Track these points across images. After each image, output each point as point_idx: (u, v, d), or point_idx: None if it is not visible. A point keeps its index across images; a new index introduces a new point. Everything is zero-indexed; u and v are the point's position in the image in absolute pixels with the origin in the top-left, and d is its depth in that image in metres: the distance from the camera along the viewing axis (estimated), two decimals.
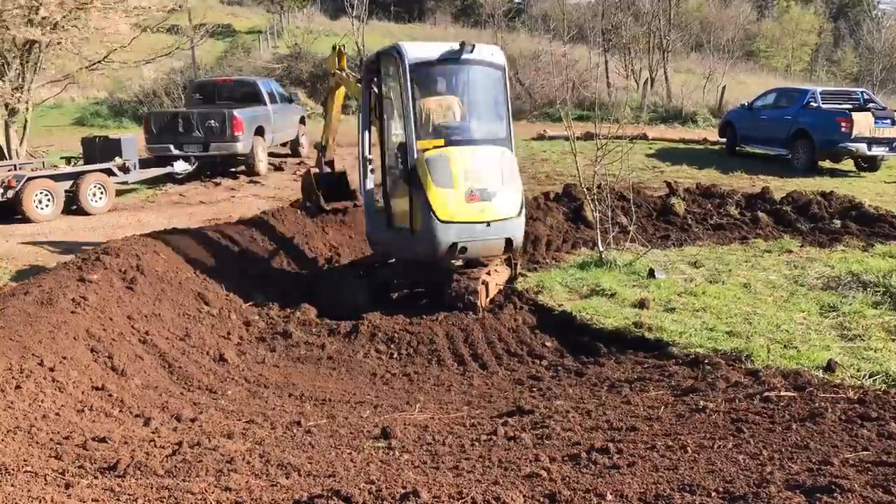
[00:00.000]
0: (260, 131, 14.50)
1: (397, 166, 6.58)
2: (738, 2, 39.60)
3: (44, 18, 11.78)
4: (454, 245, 6.24)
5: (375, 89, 7.01)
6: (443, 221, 6.15)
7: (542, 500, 2.83)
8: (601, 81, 25.57)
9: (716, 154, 17.05)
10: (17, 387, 4.03)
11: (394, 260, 7.10)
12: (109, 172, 11.70)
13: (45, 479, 3.04)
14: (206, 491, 2.97)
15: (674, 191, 10.98)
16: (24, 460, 3.20)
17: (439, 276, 6.58)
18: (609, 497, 2.79)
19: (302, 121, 17.60)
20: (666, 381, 4.64)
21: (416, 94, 6.32)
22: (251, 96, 15.38)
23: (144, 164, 13.10)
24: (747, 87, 26.83)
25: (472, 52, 6.46)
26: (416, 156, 6.23)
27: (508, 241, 6.57)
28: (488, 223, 6.36)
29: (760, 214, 9.89)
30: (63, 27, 12.33)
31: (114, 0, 12.72)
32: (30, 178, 10.44)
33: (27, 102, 13.35)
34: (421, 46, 6.53)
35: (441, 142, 6.41)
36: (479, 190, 6.32)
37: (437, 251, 6.27)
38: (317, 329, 6.21)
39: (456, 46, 6.46)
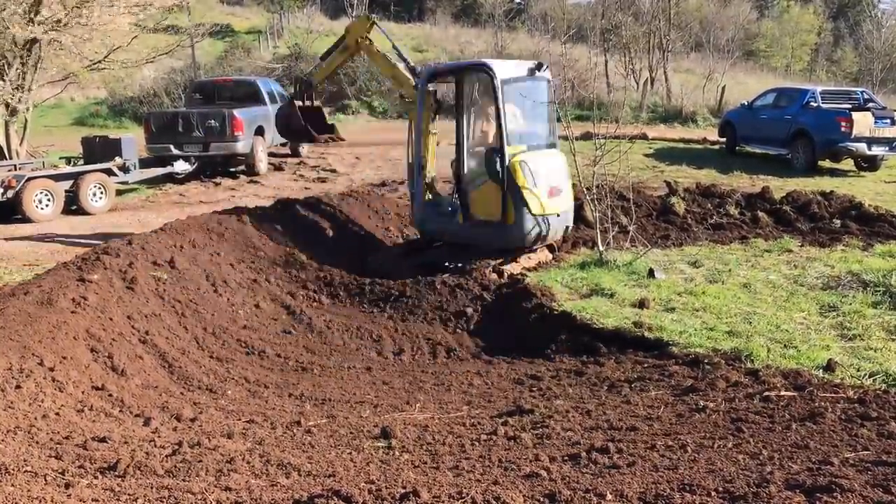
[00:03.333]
0: (260, 131, 14.51)
1: (484, 168, 7.32)
2: (738, 2, 39.57)
3: (47, 18, 11.79)
4: (539, 233, 7.33)
5: (439, 100, 7.97)
6: (534, 215, 7.19)
7: (542, 499, 2.83)
8: (601, 81, 25.56)
9: (715, 154, 17.05)
10: (17, 387, 4.03)
11: (439, 243, 8.07)
12: (109, 172, 11.71)
13: (45, 479, 3.04)
14: (206, 491, 2.97)
15: (674, 190, 10.97)
16: (24, 460, 3.20)
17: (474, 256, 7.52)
18: (609, 497, 2.79)
19: None
20: (666, 380, 4.64)
21: (505, 107, 7.16)
22: (251, 96, 15.38)
23: (144, 164, 13.11)
24: (747, 87, 26.83)
25: (544, 69, 7.58)
26: (507, 160, 7.08)
27: (566, 228, 7.94)
28: (559, 214, 7.52)
29: (760, 214, 9.88)
30: (66, 24, 12.33)
31: None
32: (30, 178, 10.45)
33: (27, 102, 13.35)
34: (504, 64, 7.52)
35: (523, 147, 7.33)
36: (555, 187, 7.44)
37: (527, 239, 7.36)
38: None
39: (531, 64, 7.57)
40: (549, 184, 7.32)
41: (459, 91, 7.53)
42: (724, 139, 17.53)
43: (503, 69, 7.20)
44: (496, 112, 7.11)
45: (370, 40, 8.42)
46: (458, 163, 7.58)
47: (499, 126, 7.11)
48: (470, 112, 7.67)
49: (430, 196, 8.06)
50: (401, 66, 8.24)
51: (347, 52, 8.75)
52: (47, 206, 10.64)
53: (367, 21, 8.64)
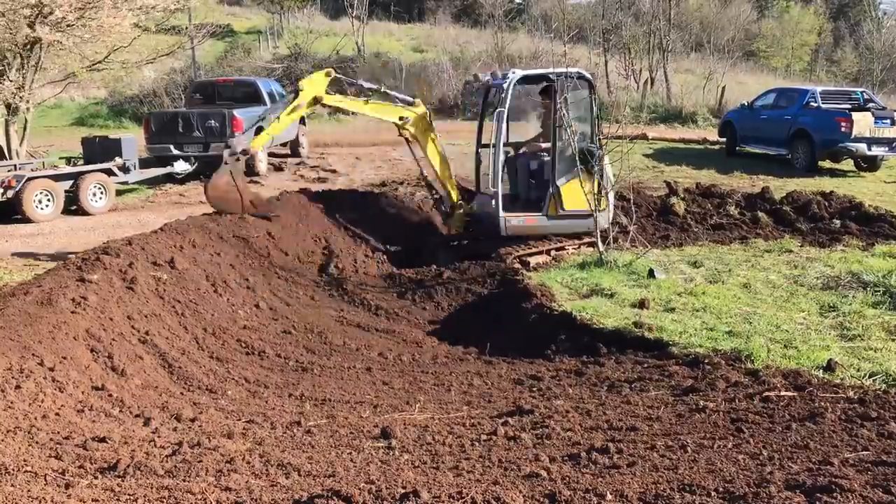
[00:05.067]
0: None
1: (576, 165, 7.93)
2: (738, 2, 39.57)
3: (54, 20, 11.81)
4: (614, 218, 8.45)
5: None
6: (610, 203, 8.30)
7: (542, 499, 2.83)
8: (601, 81, 25.55)
9: (715, 154, 17.05)
10: (17, 387, 4.02)
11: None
12: (109, 172, 11.71)
13: (45, 479, 3.04)
14: (206, 491, 2.97)
15: (674, 191, 10.97)
16: (24, 460, 3.20)
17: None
18: (609, 497, 2.79)
19: (302, 121, 17.58)
20: (666, 380, 4.63)
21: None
22: (251, 96, 15.39)
23: (144, 164, 13.11)
24: (747, 87, 26.81)
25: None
26: (604, 156, 8.07)
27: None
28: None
29: (760, 214, 9.88)
30: (70, 25, 12.35)
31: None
32: (30, 178, 10.45)
33: (28, 102, 13.36)
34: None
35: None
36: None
37: (610, 224, 8.32)
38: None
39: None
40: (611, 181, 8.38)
41: (554, 100, 8.10)
42: (724, 139, 17.52)
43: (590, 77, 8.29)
44: (591, 114, 8.13)
45: (328, 93, 8.24)
46: (553, 164, 8.16)
47: (593, 126, 8.15)
48: (548, 116, 8.29)
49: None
50: (370, 98, 8.44)
51: (299, 112, 8.34)
52: (47, 206, 10.64)
53: (324, 77, 8.21)
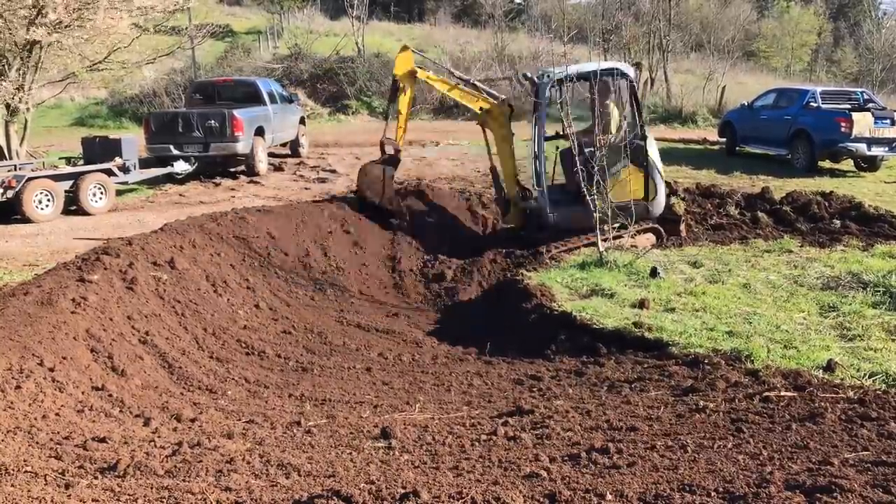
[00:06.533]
0: (260, 131, 14.50)
1: (622, 157, 8.30)
2: (738, 2, 39.58)
3: (51, 21, 11.81)
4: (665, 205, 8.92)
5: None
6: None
7: (542, 500, 2.83)
8: None
9: (715, 154, 17.04)
10: (17, 387, 4.03)
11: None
12: (109, 172, 11.70)
13: (45, 480, 3.04)
14: (206, 491, 2.98)
15: (673, 191, 10.96)
16: (24, 460, 3.20)
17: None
18: (609, 497, 2.79)
19: (302, 121, 17.60)
20: (666, 381, 4.64)
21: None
22: (251, 96, 15.37)
23: (144, 164, 13.10)
24: (747, 87, 26.82)
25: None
26: (651, 148, 8.55)
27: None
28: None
29: (760, 214, 9.88)
30: (68, 26, 12.35)
31: (119, 0, 12.76)
32: (30, 179, 10.44)
33: (28, 102, 13.36)
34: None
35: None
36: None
37: (661, 211, 8.81)
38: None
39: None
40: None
41: (599, 91, 8.43)
42: (724, 139, 17.51)
43: (631, 71, 8.59)
44: (635, 107, 8.42)
45: (420, 68, 8.80)
46: (591, 154, 8.45)
47: (639, 118, 8.47)
48: (595, 111, 8.53)
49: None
50: (458, 84, 8.71)
51: (408, 94, 9.04)
52: (47, 206, 10.64)
53: (409, 53, 8.90)
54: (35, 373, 4.24)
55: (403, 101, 9.07)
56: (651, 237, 8.78)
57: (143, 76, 24.23)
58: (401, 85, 8.96)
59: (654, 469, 3.12)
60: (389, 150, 9.31)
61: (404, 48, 9.12)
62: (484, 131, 9.17)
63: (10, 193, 10.24)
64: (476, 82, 9.24)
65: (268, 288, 7.27)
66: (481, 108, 8.87)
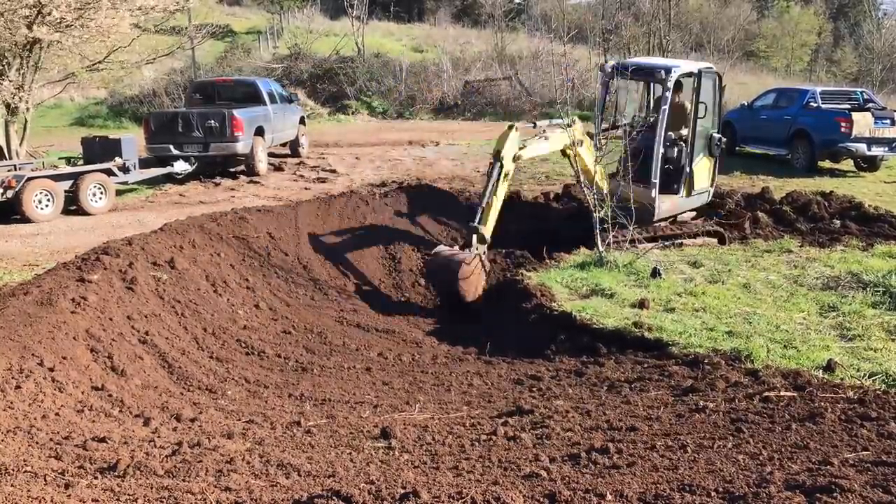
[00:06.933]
0: (260, 131, 14.50)
1: (703, 148, 9.13)
2: (737, 2, 39.58)
3: (53, 21, 11.82)
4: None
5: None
6: None
7: (541, 500, 2.83)
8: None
9: None
10: (17, 387, 4.03)
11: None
12: (109, 172, 11.70)
13: (45, 479, 3.04)
14: (206, 491, 2.97)
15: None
16: (24, 460, 3.20)
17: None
18: (609, 497, 2.79)
19: (302, 121, 17.59)
20: (666, 381, 4.64)
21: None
22: (251, 96, 15.37)
23: (144, 164, 13.10)
24: (747, 87, 26.80)
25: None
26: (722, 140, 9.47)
27: None
28: None
29: (760, 214, 9.88)
30: (70, 25, 12.36)
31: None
32: (30, 178, 10.45)
33: (27, 102, 13.36)
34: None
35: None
36: None
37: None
38: None
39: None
40: None
41: (697, 94, 8.81)
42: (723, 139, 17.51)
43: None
44: (718, 104, 9.38)
45: (523, 145, 7.94)
46: (691, 152, 8.97)
47: (718, 114, 9.48)
48: (676, 105, 8.91)
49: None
50: (556, 132, 8.33)
51: (507, 176, 7.76)
52: (47, 206, 10.64)
53: (515, 134, 7.79)
54: (35, 373, 4.24)
55: (503, 186, 7.71)
56: (711, 241, 8.98)
57: (143, 76, 24.27)
58: (504, 170, 7.61)
59: (654, 469, 3.12)
60: (481, 238, 7.52)
61: (512, 127, 7.86)
62: (567, 157, 8.66)
63: (9, 193, 10.24)
64: (549, 122, 8.70)
65: (268, 288, 7.27)
66: (568, 145, 8.39)
